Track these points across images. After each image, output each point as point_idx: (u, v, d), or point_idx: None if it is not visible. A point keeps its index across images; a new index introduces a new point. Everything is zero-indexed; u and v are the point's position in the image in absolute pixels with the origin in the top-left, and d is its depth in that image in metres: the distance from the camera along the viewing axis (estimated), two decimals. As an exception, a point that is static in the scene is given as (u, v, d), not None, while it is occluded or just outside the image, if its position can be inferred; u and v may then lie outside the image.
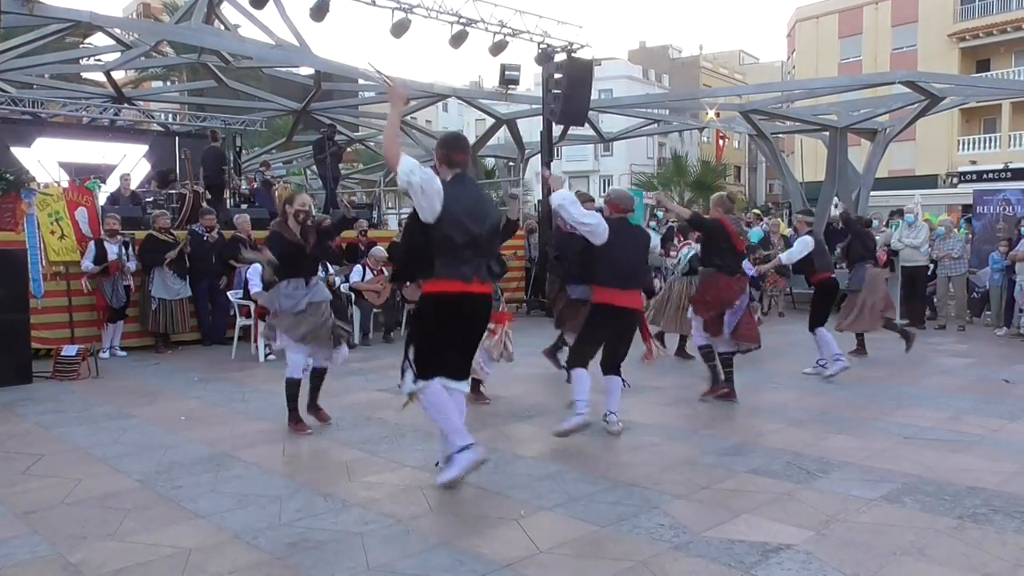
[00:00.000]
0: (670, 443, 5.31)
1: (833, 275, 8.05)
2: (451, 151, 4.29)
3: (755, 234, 12.20)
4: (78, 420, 6.10)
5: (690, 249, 8.35)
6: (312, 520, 3.87)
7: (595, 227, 5.29)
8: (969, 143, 32.69)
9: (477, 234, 4.14)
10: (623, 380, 5.62)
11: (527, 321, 11.78)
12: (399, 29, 12.56)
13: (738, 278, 6.50)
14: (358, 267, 10.27)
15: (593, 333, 5.53)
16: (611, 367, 5.55)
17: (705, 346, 6.73)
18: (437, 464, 4.52)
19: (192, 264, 9.71)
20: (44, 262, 8.77)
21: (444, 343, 4.21)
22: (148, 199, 12.26)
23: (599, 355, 5.59)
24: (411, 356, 4.23)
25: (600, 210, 5.89)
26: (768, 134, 18.40)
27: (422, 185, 3.97)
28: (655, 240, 5.79)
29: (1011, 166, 26.37)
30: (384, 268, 10.01)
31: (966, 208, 16.68)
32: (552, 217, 13.75)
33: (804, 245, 7.69)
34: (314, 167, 16.10)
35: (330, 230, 5.99)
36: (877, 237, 12.15)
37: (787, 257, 7.90)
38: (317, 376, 5.86)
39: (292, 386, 5.69)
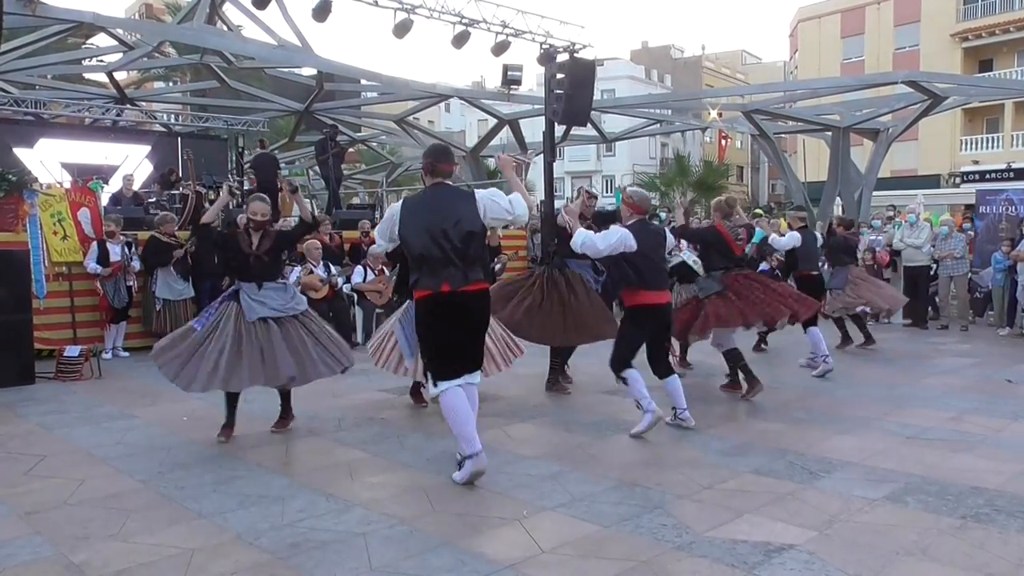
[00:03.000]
0: (672, 443, 5.31)
1: (816, 272, 8.56)
2: (436, 161, 4.49)
3: (757, 234, 12.19)
4: (80, 421, 6.11)
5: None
6: (314, 520, 3.87)
7: (619, 243, 5.31)
8: (971, 143, 32.67)
9: (430, 249, 4.27)
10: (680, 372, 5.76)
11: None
12: (401, 29, 12.57)
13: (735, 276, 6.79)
14: (359, 268, 10.28)
15: (635, 335, 5.54)
16: (664, 368, 5.60)
17: (731, 350, 6.76)
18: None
19: (195, 265, 9.72)
20: (46, 263, 8.76)
21: (436, 343, 4.41)
22: (151, 200, 12.27)
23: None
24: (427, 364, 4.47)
25: (616, 211, 5.97)
26: (770, 134, 18.42)
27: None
28: (671, 239, 5.89)
29: (1014, 166, 26.32)
30: (384, 267, 10.01)
31: (968, 208, 16.65)
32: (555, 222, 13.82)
33: (793, 239, 8.21)
34: (316, 168, 16.12)
35: (289, 235, 5.77)
36: (879, 237, 12.27)
37: (774, 240, 8.16)
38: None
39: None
